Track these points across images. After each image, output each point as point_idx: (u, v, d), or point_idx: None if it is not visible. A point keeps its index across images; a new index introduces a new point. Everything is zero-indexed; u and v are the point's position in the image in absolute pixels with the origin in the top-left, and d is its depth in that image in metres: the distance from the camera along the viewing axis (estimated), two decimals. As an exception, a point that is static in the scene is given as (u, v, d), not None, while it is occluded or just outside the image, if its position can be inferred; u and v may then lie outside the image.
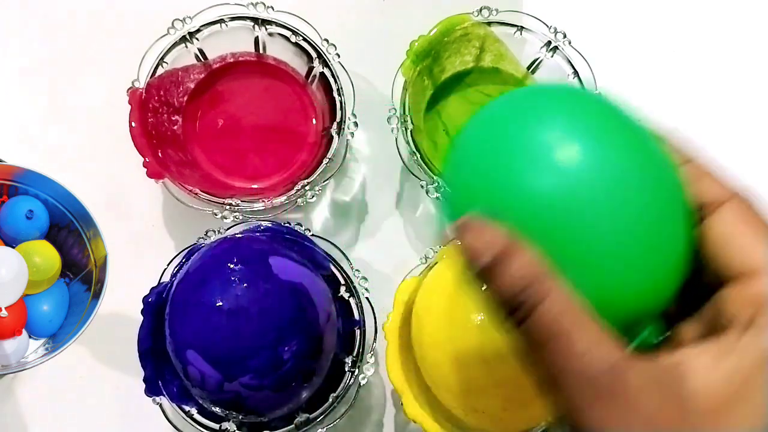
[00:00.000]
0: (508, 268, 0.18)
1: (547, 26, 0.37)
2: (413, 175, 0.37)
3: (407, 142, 0.37)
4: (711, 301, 0.19)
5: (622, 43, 0.45)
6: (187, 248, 0.36)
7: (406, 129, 0.37)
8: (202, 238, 0.36)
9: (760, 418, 0.17)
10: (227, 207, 0.37)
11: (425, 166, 0.37)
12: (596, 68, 0.37)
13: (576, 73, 0.37)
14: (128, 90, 0.37)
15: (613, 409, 0.17)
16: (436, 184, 0.37)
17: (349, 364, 0.36)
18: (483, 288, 0.18)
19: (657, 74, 0.45)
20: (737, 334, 0.17)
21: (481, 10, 0.37)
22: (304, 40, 0.39)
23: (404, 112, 0.37)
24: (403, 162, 0.38)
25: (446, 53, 0.37)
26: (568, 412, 0.17)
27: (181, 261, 0.36)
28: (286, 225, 0.37)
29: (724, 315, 0.18)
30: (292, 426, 0.36)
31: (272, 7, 0.38)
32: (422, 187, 0.36)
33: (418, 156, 0.37)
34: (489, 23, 0.37)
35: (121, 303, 0.39)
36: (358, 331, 0.36)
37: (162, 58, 0.38)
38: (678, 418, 0.16)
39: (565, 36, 0.37)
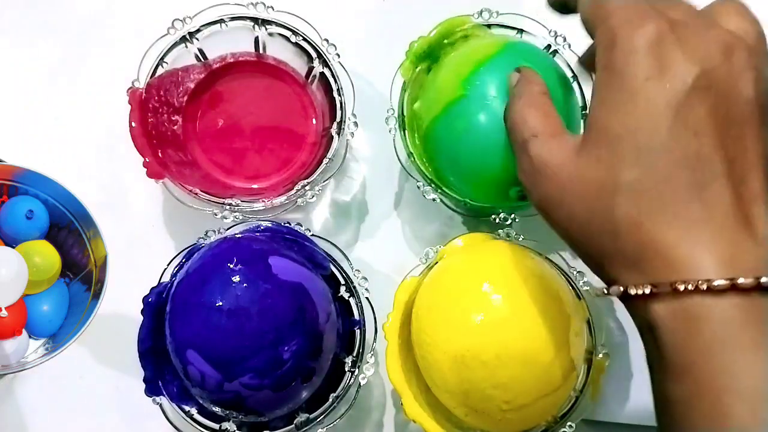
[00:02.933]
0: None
1: (548, 30, 0.37)
2: (411, 176, 0.38)
3: (405, 144, 0.37)
4: None
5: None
6: (187, 248, 0.36)
7: (404, 130, 0.37)
8: (202, 238, 0.36)
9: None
10: (227, 207, 0.37)
11: (422, 168, 0.37)
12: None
13: (575, 77, 0.37)
14: (128, 90, 0.37)
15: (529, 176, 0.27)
16: (433, 185, 0.37)
17: (349, 364, 0.36)
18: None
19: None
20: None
21: (481, 12, 0.37)
22: (304, 40, 0.39)
23: (402, 113, 0.37)
24: (401, 162, 0.38)
25: (446, 56, 0.37)
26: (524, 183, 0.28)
27: (181, 261, 0.36)
28: (286, 225, 0.37)
29: None
30: (292, 426, 0.36)
31: (272, 7, 0.38)
32: (419, 188, 0.36)
33: (415, 157, 0.37)
34: (489, 26, 0.37)
35: (121, 303, 0.39)
36: (358, 331, 0.36)
37: (162, 58, 0.38)
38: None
39: (565, 39, 0.37)
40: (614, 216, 0.23)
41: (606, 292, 0.24)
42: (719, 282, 0.21)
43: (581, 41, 0.38)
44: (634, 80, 0.23)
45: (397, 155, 0.38)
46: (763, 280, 0.21)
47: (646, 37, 0.23)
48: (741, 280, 0.21)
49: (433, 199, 0.36)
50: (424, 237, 0.43)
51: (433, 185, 0.36)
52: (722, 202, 0.22)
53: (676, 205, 0.22)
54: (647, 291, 0.22)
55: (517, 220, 0.37)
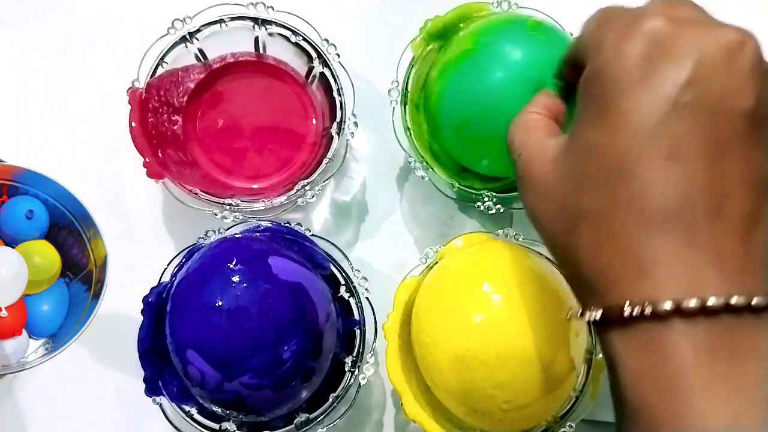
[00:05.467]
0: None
1: (561, 27, 0.37)
2: (404, 149, 0.38)
3: (403, 119, 0.37)
4: None
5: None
6: (187, 248, 0.36)
7: (405, 104, 0.37)
8: (202, 238, 0.36)
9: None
10: (227, 207, 0.37)
11: (417, 145, 0.37)
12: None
13: None
14: (128, 90, 0.37)
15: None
16: (424, 164, 0.37)
17: (349, 364, 0.36)
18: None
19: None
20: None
21: (501, 2, 0.37)
22: (304, 40, 0.39)
23: (406, 88, 0.37)
24: (396, 136, 0.38)
25: None
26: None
27: (181, 261, 0.36)
28: (286, 225, 0.37)
29: None
30: (292, 426, 0.36)
31: (272, 7, 0.38)
32: (410, 164, 0.37)
33: (412, 133, 0.37)
34: None
35: (121, 303, 0.39)
36: (358, 331, 0.36)
37: (162, 58, 0.38)
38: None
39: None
40: (574, 241, 0.22)
41: (568, 318, 0.23)
42: (664, 304, 0.19)
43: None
44: (612, 88, 0.20)
45: (394, 129, 0.38)
46: (711, 302, 0.18)
47: (640, 36, 0.20)
48: (687, 303, 0.19)
49: (422, 177, 0.37)
50: (424, 237, 0.43)
51: (424, 163, 0.37)
52: (689, 232, 0.19)
53: (636, 234, 0.20)
54: (598, 316, 0.21)
55: (501, 210, 0.37)
